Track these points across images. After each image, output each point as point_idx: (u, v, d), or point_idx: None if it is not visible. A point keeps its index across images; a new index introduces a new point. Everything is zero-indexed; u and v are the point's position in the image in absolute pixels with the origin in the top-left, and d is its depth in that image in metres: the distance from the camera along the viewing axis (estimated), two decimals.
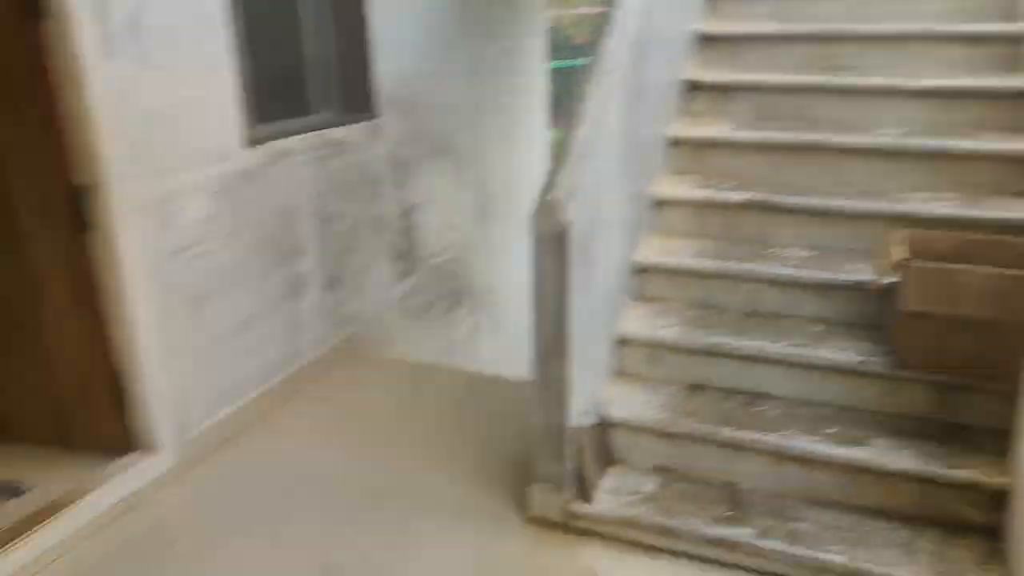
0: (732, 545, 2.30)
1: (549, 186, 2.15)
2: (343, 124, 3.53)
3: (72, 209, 2.40)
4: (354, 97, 3.64)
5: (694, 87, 3.38)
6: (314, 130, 3.33)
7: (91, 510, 2.45)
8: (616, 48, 2.43)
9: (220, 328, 2.94)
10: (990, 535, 2.25)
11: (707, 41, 3.54)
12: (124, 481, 2.57)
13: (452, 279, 4.95)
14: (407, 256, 4.31)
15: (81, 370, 2.62)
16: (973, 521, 2.27)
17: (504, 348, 5.87)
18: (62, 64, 2.24)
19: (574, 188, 2.15)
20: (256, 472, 2.79)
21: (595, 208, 2.36)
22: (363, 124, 3.66)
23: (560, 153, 2.21)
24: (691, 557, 2.33)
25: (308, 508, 2.59)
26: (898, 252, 2.36)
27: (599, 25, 2.49)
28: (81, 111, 2.28)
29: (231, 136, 2.83)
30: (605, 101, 2.32)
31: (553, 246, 2.16)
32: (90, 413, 2.67)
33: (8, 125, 2.36)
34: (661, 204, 3.11)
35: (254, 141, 2.95)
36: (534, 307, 2.27)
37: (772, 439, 2.46)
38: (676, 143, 3.25)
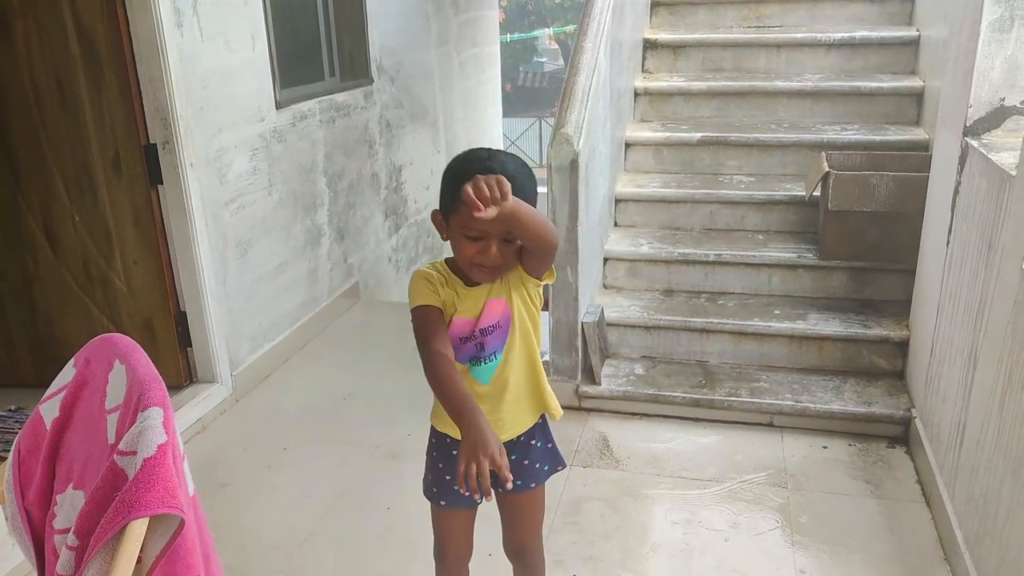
0: (708, 403, 2.95)
1: (560, 123, 2.71)
2: (345, 90, 3.99)
3: (145, 165, 2.80)
4: (353, 65, 4.09)
5: (651, 45, 4.00)
6: (324, 95, 3.78)
7: None
8: (601, 8, 3.00)
9: (261, 272, 3.38)
10: (897, 376, 2.98)
11: (659, 6, 4.17)
12: (191, 408, 2.92)
13: (429, 235, 5.46)
14: (396, 212, 4.80)
15: (147, 313, 2.97)
16: (884, 368, 3.00)
17: None
18: (143, 35, 2.64)
19: (579, 125, 2.71)
20: (303, 395, 3.25)
21: (593, 144, 2.93)
22: (361, 89, 4.13)
23: (564, 96, 2.77)
24: (678, 418, 2.96)
25: (357, 415, 3.08)
26: (822, 168, 3.03)
27: None
28: (158, 76, 2.68)
29: (266, 99, 3.27)
30: (596, 54, 2.88)
31: (566, 173, 2.72)
32: (155, 352, 2.97)
33: (92, 91, 2.72)
34: (630, 145, 3.72)
35: (282, 104, 3.38)
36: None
37: (733, 323, 3.12)
38: (638, 93, 3.86)
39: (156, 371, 1.04)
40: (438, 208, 1.45)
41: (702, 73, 3.99)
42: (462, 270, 1.46)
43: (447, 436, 1.60)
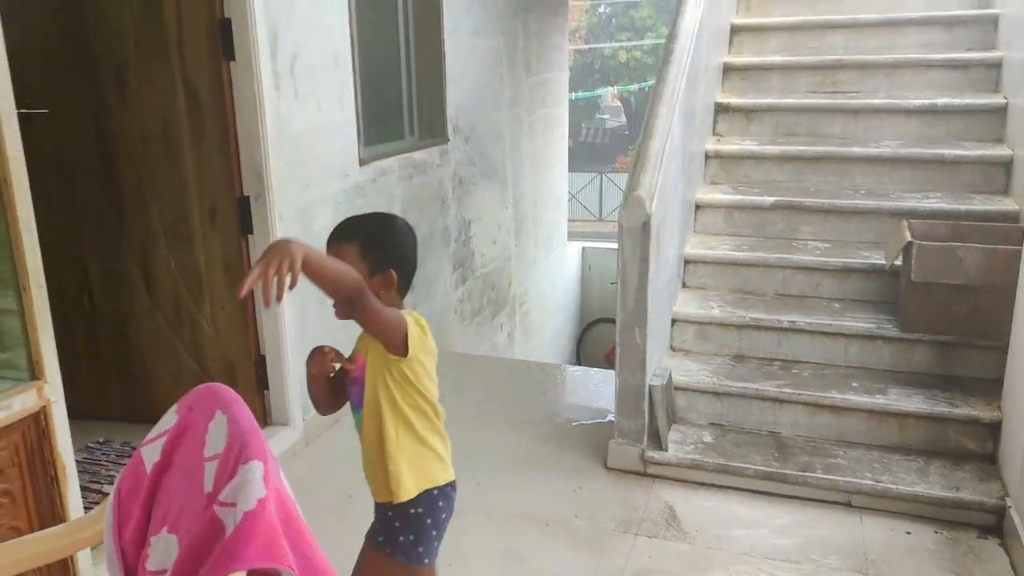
0: (781, 477, 2.85)
1: (633, 185, 2.74)
2: (422, 148, 4.13)
3: (238, 216, 2.95)
4: (431, 125, 4.24)
5: (723, 109, 4.03)
6: (403, 153, 3.93)
7: None
8: (676, 74, 3.05)
9: (336, 320, 3.46)
10: (987, 460, 2.83)
11: (732, 71, 4.20)
12: None
13: (494, 289, 5.52)
14: (463, 265, 4.89)
15: (230, 356, 3.09)
16: (973, 450, 2.85)
17: (534, 351, 6.44)
18: (244, 95, 2.81)
19: (652, 188, 2.74)
20: None
21: (664, 207, 2.95)
22: (437, 148, 4.27)
23: (638, 159, 2.80)
24: (747, 491, 2.87)
25: None
26: (904, 237, 2.96)
27: (662, 54, 3.13)
28: (255, 134, 2.84)
29: (351, 156, 3.41)
30: (670, 118, 2.92)
31: (637, 235, 2.74)
32: None
33: (191, 144, 2.91)
34: (700, 207, 3.72)
35: (364, 161, 3.53)
36: (620, 285, 2.85)
37: (808, 393, 3.03)
38: (709, 156, 3.88)
39: (256, 423, 1.08)
40: None
41: (775, 137, 3.98)
42: None
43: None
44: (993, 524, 2.59)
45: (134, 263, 3.07)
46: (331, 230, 1.56)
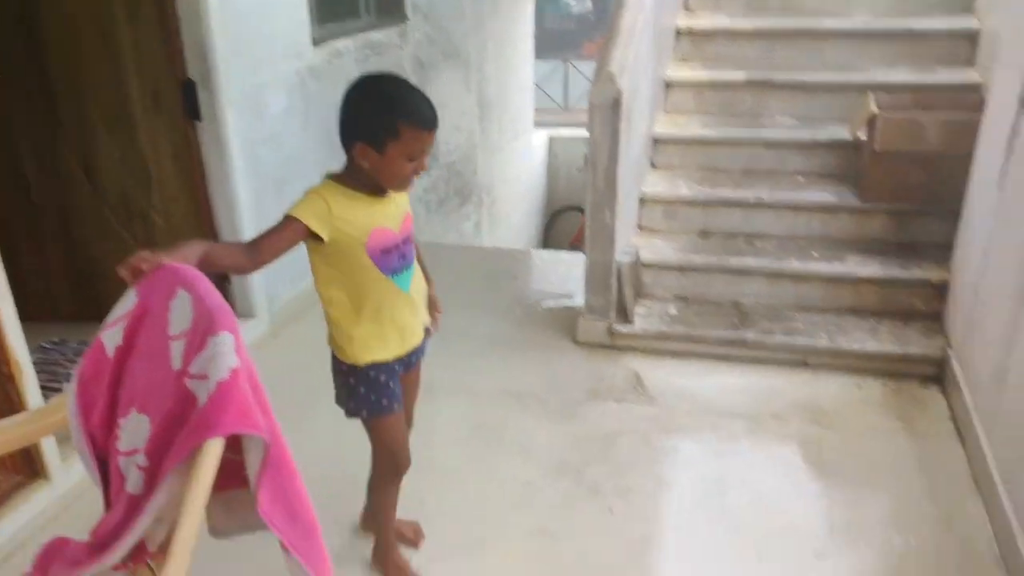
0: (742, 343, 2.95)
1: (604, 61, 2.65)
2: (380, 27, 3.92)
3: (183, 101, 2.80)
4: (388, 2, 4.01)
5: None
6: (359, 32, 3.73)
7: None
8: None
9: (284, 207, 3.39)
10: (933, 319, 2.96)
11: None
12: None
13: (459, 177, 5.43)
14: None
15: None
16: (921, 310, 2.98)
17: (501, 240, 6.43)
18: None
19: (624, 64, 2.65)
20: None
21: (636, 84, 2.87)
22: (396, 27, 4.06)
23: (610, 35, 2.70)
24: (711, 357, 2.97)
25: None
26: (870, 109, 2.94)
27: None
28: (195, 11, 2.65)
29: (303, 35, 3.23)
30: None
31: (608, 112, 2.68)
32: None
33: (127, 25, 2.71)
34: (670, 85, 3.64)
35: (318, 41, 3.34)
36: (590, 165, 2.81)
37: (769, 263, 3.09)
38: (680, 32, 3.75)
39: (223, 300, 1.06)
40: (359, 139, 1.57)
41: (747, 12, 3.85)
42: (368, 183, 1.60)
43: (383, 363, 1.75)
44: (935, 374, 2.76)
45: (73, 156, 2.92)
46: (426, 115, 1.56)
